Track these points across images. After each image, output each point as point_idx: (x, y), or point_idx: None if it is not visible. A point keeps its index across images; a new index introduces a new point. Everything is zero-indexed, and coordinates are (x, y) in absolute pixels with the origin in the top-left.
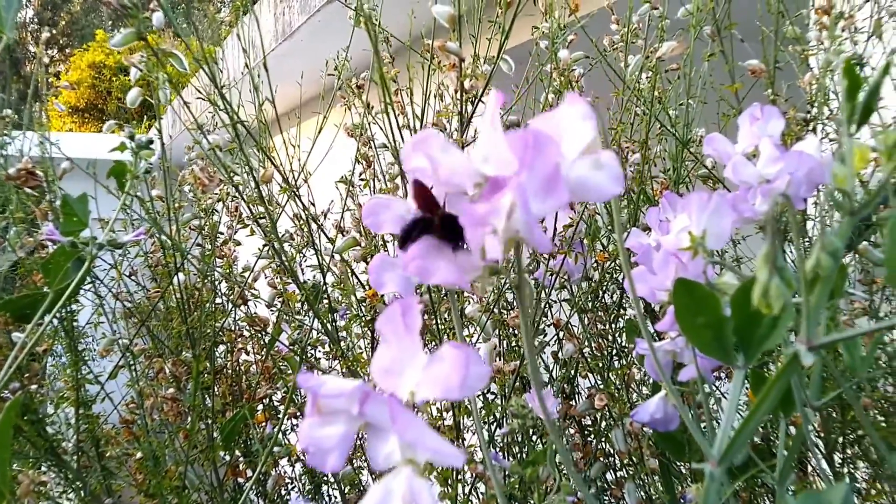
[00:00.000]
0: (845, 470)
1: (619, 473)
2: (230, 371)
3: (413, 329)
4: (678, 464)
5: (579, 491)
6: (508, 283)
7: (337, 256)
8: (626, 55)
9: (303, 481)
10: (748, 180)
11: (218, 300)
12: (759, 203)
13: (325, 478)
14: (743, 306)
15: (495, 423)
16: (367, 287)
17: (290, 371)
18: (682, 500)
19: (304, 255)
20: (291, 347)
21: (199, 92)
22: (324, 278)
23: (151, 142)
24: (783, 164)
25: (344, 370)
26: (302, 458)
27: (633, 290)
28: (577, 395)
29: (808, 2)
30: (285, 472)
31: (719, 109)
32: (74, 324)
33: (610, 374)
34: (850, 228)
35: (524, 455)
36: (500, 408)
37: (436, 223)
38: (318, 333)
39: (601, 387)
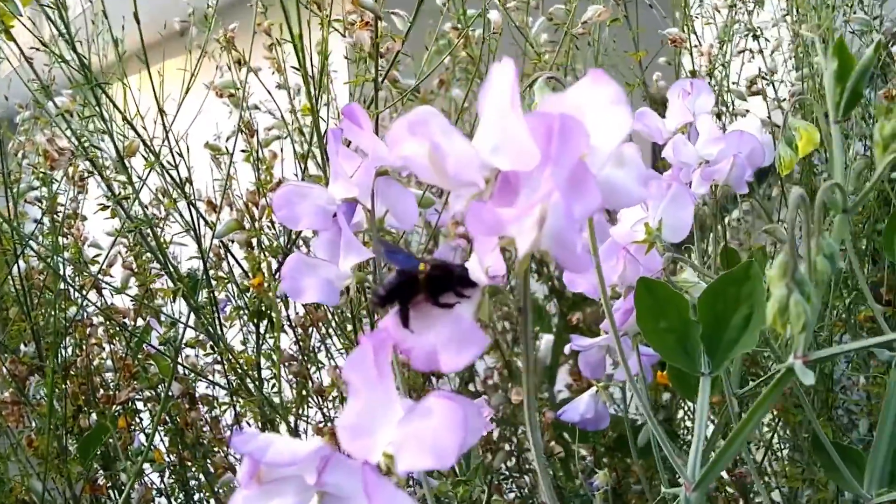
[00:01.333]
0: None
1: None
2: (82, 369)
3: (387, 374)
4: (579, 448)
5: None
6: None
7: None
8: (526, 16)
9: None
10: (688, 161)
11: (65, 287)
12: (696, 185)
13: (198, 484)
14: (711, 308)
15: None
16: (250, 274)
17: (156, 370)
18: (589, 486)
19: (169, 238)
20: (159, 348)
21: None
22: (204, 266)
23: None
24: (724, 145)
25: (230, 375)
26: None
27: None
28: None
29: None
30: (152, 484)
31: (622, 79)
32: None
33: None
34: (845, 227)
35: None
36: None
37: (423, 280)
38: (197, 332)
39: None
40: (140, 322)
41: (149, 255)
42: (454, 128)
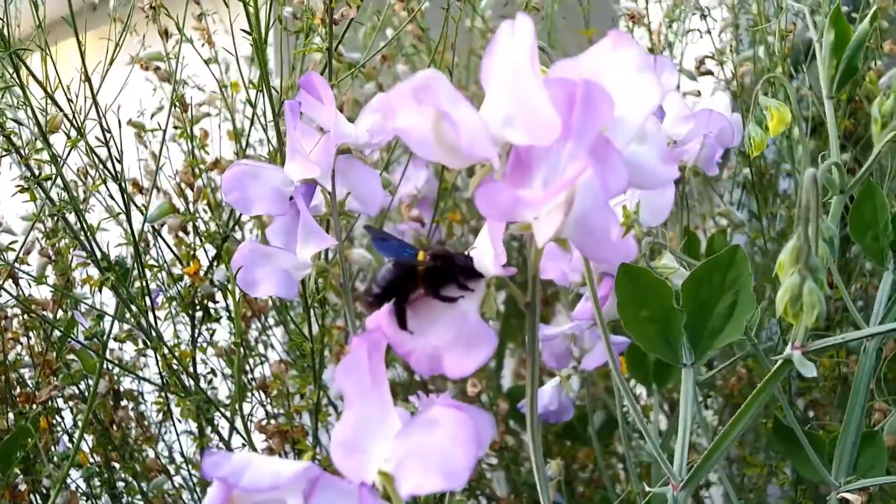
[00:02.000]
0: None
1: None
2: None
3: (381, 380)
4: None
5: None
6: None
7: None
8: None
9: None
10: None
11: None
12: None
13: (126, 486)
14: (694, 295)
15: None
16: (184, 262)
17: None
18: None
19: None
20: (84, 343)
21: None
22: (136, 254)
23: None
24: (693, 124)
25: (164, 371)
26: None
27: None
28: None
29: None
30: (78, 488)
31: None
32: None
33: None
34: (840, 209)
35: None
36: None
37: (423, 272)
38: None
39: None
40: (60, 314)
41: (69, 241)
42: (461, 95)
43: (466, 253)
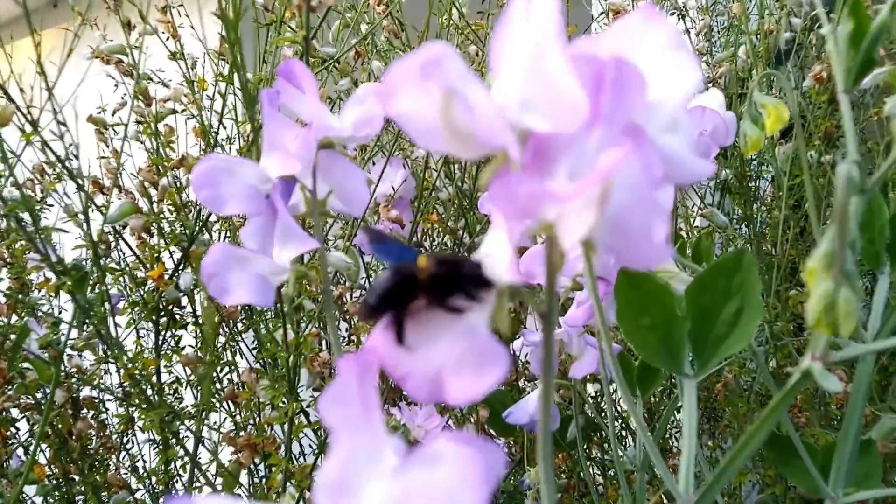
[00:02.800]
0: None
1: None
2: None
3: (373, 408)
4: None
5: None
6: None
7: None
8: None
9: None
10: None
11: None
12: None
13: (84, 499)
14: (697, 302)
15: None
16: (147, 265)
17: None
18: (520, 484)
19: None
20: (38, 355)
21: None
22: (95, 256)
23: None
24: None
25: (126, 383)
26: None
27: None
28: None
29: None
30: None
31: None
32: None
33: None
34: (861, 209)
35: None
36: None
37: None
38: (87, 335)
39: None
40: (15, 319)
41: (23, 242)
42: (474, 74)
43: (471, 259)
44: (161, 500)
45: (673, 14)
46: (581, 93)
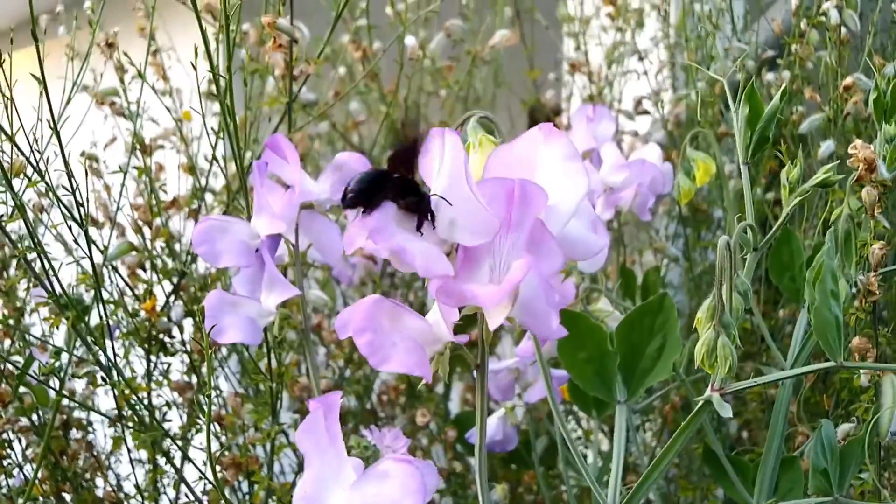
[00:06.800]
0: None
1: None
2: None
3: (336, 436)
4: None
5: None
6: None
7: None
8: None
9: None
10: (593, 188)
11: None
12: (601, 210)
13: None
14: (627, 338)
15: None
16: (141, 298)
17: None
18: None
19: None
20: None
21: None
22: (97, 293)
23: None
24: (628, 173)
25: (123, 408)
26: None
27: None
28: None
29: None
30: None
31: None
32: None
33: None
34: (755, 263)
35: None
36: None
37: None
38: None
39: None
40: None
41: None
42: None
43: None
44: None
45: (632, 56)
46: (491, 215)
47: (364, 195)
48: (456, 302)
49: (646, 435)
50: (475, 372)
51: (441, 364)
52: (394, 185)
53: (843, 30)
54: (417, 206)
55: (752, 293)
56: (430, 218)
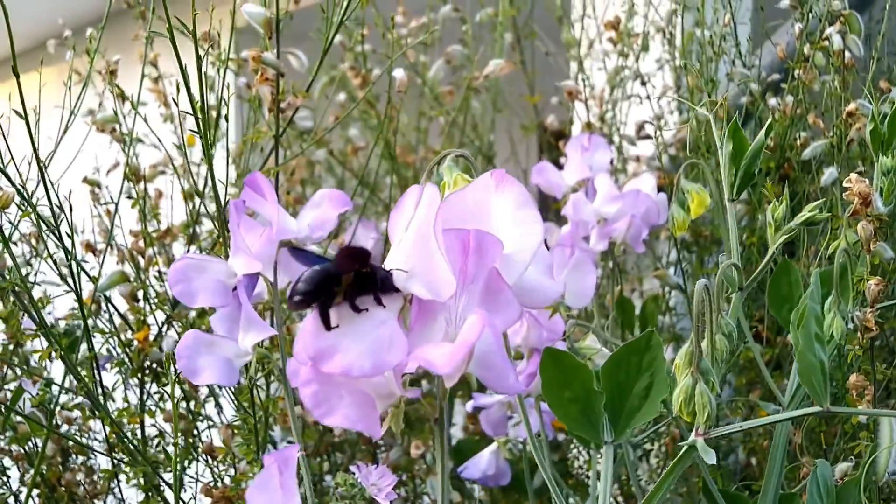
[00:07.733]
0: None
1: None
2: None
3: (293, 493)
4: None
5: None
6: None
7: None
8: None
9: None
10: (587, 219)
11: None
12: (595, 242)
13: None
14: (613, 377)
15: None
16: (134, 328)
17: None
18: None
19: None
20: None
21: None
22: (84, 325)
23: None
24: (622, 204)
25: (112, 438)
26: None
27: None
28: None
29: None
30: None
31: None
32: None
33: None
34: (741, 302)
35: None
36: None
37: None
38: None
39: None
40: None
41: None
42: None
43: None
44: None
45: (635, 80)
46: (450, 273)
47: (310, 296)
48: (410, 368)
49: (652, 462)
50: (435, 424)
51: (395, 419)
52: (342, 283)
53: (847, 54)
54: (372, 287)
55: (757, 320)
56: (386, 288)
